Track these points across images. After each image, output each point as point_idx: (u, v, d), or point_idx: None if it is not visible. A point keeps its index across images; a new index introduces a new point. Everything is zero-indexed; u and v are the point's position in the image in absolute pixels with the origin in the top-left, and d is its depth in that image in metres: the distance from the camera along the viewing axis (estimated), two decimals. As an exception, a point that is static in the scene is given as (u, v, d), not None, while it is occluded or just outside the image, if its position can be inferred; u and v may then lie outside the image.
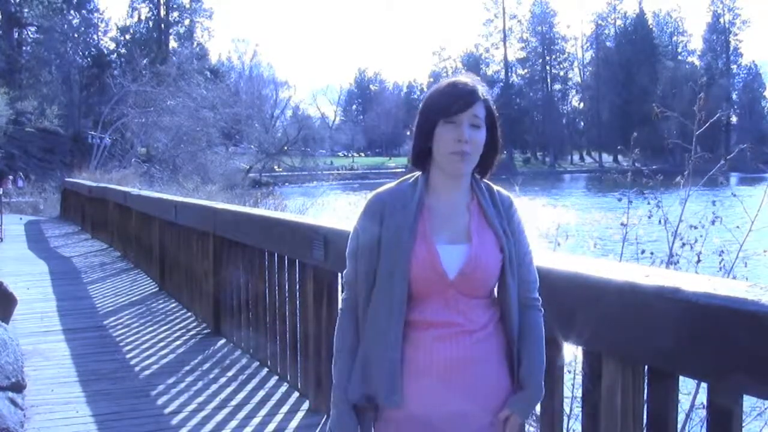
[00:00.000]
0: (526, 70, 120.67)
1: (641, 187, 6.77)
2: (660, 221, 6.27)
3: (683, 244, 5.99)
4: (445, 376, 2.29)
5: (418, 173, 2.44)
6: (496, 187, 2.46)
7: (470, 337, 2.31)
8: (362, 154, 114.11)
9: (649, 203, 6.43)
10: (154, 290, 10.60)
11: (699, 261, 5.87)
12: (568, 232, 7.80)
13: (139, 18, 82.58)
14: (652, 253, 6.31)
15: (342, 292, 2.55)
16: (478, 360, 2.32)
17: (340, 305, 2.53)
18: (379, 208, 2.40)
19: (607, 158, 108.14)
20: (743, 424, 2.37)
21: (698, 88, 6.62)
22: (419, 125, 2.38)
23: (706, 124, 6.45)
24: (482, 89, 2.36)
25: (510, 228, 2.38)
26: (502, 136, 2.42)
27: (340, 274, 5.05)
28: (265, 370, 6.46)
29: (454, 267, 2.30)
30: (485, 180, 2.46)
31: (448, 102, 2.31)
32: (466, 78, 2.39)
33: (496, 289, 2.40)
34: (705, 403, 2.46)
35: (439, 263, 2.30)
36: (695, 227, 6.14)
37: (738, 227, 6.17)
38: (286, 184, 57.75)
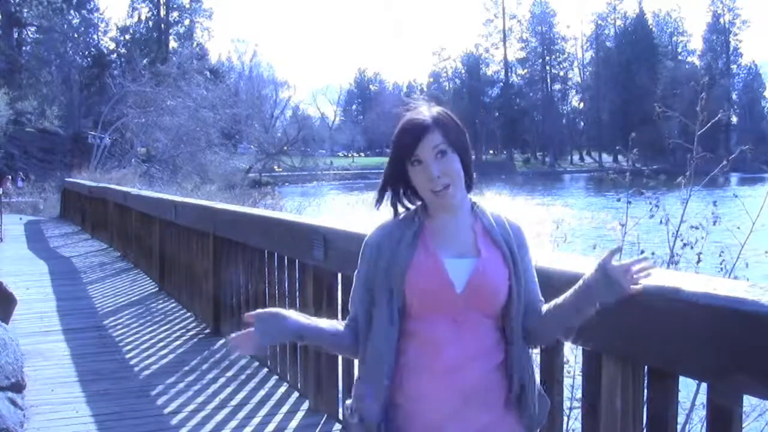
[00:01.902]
0: (525, 70, 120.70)
1: (642, 187, 6.76)
2: (661, 221, 6.27)
3: (684, 245, 5.99)
4: (457, 409, 2.22)
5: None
6: (503, 214, 2.40)
7: (482, 366, 2.24)
8: (362, 154, 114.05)
9: (650, 203, 6.42)
10: (153, 290, 10.59)
11: (699, 261, 5.87)
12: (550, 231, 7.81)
13: (139, 18, 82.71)
14: (653, 253, 6.31)
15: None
16: (489, 392, 2.26)
17: (345, 321, 2.51)
18: (374, 249, 2.36)
19: (606, 158, 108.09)
20: (743, 425, 2.37)
21: (700, 88, 6.62)
22: (391, 174, 2.34)
23: (708, 124, 6.45)
24: (434, 113, 2.28)
25: (520, 253, 2.31)
26: (468, 150, 2.32)
27: (339, 274, 5.06)
28: (265, 370, 6.46)
29: (462, 279, 2.22)
30: (492, 210, 2.39)
31: (404, 140, 2.26)
32: (413, 112, 2.31)
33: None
34: (705, 403, 2.46)
35: (446, 274, 2.23)
36: (696, 227, 6.14)
37: (738, 227, 6.16)
38: (286, 184, 57.83)
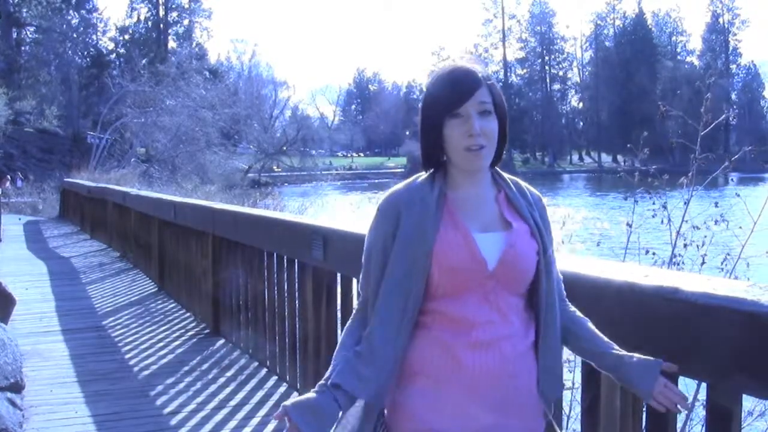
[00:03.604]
0: (525, 70, 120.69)
1: (648, 187, 6.74)
2: (662, 221, 6.27)
3: (685, 245, 5.99)
4: (479, 389, 2.10)
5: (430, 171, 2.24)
6: (523, 183, 2.30)
7: (513, 348, 2.12)
8: (361, 154, 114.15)
9: (654, 203, 6.41)
10: (153, 290, 10.59)
11: (704, 263, 5.87)
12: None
13: (138, 18, 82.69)
14: (654, 254, 6.31)
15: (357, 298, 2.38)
16: (519, 374, 2.14)
17: (356, 315, 2.34)
18: (394, 207, 2.19)
19: (606, 158, 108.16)
20: (743, 425, 2.37)
21: (705, 88, 6.61)
22: (424, 127, 2.19)
23: (712, 125, 6.45)
24: (483, 70, 2.16)
25: (543, 223, 2.23)
26: (506, 121, 2.21)
27: (339, 275, 5.06)
28: (264, 370, 6.46)
29: (493, 255, 2.11)
30: (511, 176, 2.29)
31: (448, 94, 2.12)
32: (464, 62, 2.19)
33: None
34: (704, 403, 2.45)
35: (477, 250, 2.10)
36: (698, 228, 6.14)
37: (740, 227, 6.16)
38: (285, 184, 57.80)
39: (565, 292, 2.33)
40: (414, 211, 2.15)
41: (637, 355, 2.21)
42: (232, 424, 5.30)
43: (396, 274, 2.14)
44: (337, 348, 2.29)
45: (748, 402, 4.29)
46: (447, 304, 2.13)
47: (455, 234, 2.12)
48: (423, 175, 2.24)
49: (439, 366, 2.13)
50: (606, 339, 2.26)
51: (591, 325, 2.30)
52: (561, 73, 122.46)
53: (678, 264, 5.95)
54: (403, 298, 2.14)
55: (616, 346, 2.24)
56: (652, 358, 2.19)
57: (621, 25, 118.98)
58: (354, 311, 2.34)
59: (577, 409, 3.35)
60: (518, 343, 2.15)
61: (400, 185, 2.26)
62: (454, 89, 2.13)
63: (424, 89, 2.29)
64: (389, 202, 2.22)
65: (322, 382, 2.22)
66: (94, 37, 77.49)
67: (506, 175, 2.28)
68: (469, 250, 2.11)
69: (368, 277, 2.24)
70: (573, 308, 2.33)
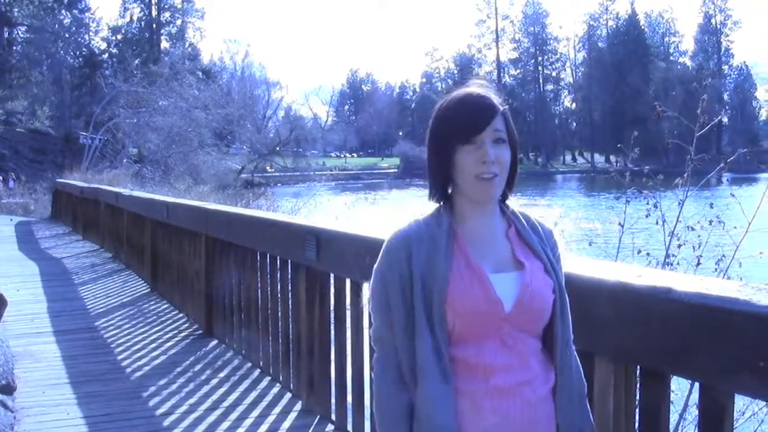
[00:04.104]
0: (518, 71, 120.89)
1: (642, 187, 6.75)
2: (657, 221, 6.28)
3: (679, 245, 6.00)
4: None
5: (435, 205, 2.14)
6: (533, 217, 2.21)
7: (533, 393, 2.04)
8: (354, 155, 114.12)
9: (648, 203, 6.42)
10: (145, 291, 10.57)
11: (699, 264, 5.88)
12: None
13: (130, 18, 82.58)
14: (648, 254, 6.32)
15: (373, 351, 2.20)
16: (539, 420, 2.06)
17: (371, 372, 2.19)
18: (403, 245, 2.07)
19: (599, 158, 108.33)
20: (735, 424, 2.37)
21: (702, 90, 6.63)
22: (434, 152, 2.10)
23: (708, 126, 6.46)
24: (499, 99, 2.09)
25: (555, 259, 2.15)
26: (518, 152, 2.14)
27: (332, 275, 5.05)
28: (258, 370, 6.45)
29: (510, 297, 2.02)
30: (521, 210, 2.20)
31: (465, 122, 2.04)
32: (479, 89, 2.10)
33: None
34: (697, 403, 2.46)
35: (493, 292, 2.01)
36: (692, 228, 6.15)
37: (735, 227, 6.17)
38: (278, 184, 57.73)
39: (572, 335, 2.21)
40: (423, 250, 2.06)
41: None
42: (225, 425, 5.29)
43: (424, 320, 2.02)
44: (384, 417, 2.13)
45: (741, 402, 4.29)
46: (463, 350, 2.04)
47: (469, 274, 2.03)
48: (427, 212, 2.15)
49: (461, 414, 2.03)
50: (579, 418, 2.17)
51: (581, 389, 2.21)
52: (554, 74, 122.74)
53: (671, 264, 5.97)
54: (438, 343, 2.02)
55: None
56: None
57: (614, 26, 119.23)
58: (375, 374, 2.17)
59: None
60: (539, 387, 2.07)
61: (406, 224, 2.14)
62: (470, 117, 2.05)
63: (434, 111, 2.16)
64: (397, 240, 2.11)
65: None
66: (86, 36, 77.29)
67: (516, 209, 2.20)
68: (485, 293, 2.02)
69: (390, 326, 2.10)
70: (576, 357, 2.22)
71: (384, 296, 2.10)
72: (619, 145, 7.57)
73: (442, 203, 2.13)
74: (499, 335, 2.03)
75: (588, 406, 2.22)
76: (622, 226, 6.37)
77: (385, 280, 2.10)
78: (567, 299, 2.15)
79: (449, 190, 2.13)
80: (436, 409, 2.00)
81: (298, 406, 5.52)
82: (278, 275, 5.96)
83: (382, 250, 2.14)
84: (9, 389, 5.82)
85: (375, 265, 2.16)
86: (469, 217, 2.11)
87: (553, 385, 2.10)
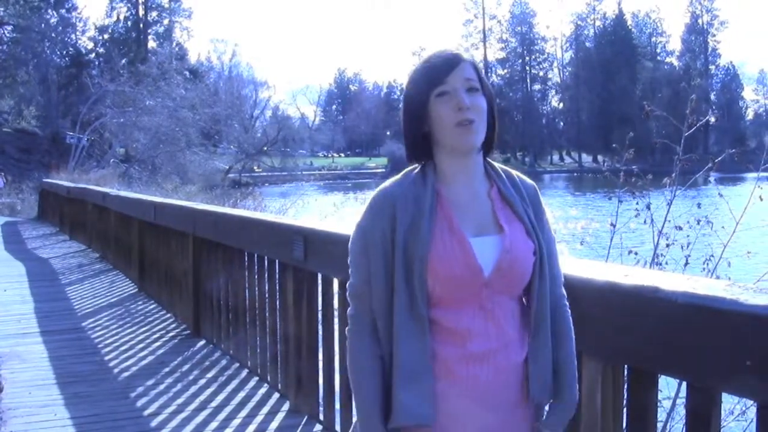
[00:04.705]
0: (505, 71, 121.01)
1: (631, 187, 6.75)
2: (645, 221, 6.29)
3: (668, 245, 6.02)
4: (472, 399, 2.07)
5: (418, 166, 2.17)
6: (515, 173, 2.23)
7: (506, 360, 2.09)
8: (342, 155, 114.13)
9: (639, 203, 6.44)
10: (132, 291, 10.53)
11: (687, 264, 5.90)
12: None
13: (117, 18, 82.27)
14: (636, 254, 6.33)
15: (349, 305, 2.21)
16: (512, 385, 2.12)
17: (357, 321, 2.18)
18: (388, 203, 2.09)
19: (586, 158, 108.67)
20: (723, 424, 2.38)
21: (690, 90, 6.64)
22: (408, 109, 2.13)
23: (696, 126, 6.48)
24: (468, 54, 2.14)
25: (537, 216, 2.16)
26: (495, 105, 2.18)
27: (320, 275, 5.05)
28: (245, 371, 6.44)
29: (489, 262, 2.04)
30: (503, 167, 2.23)
31: (432, 71, 2.08)
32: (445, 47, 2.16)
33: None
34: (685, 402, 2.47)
35: (473, 257, 2.03)
36: (680, 228, 6.17)
37: (723, 227, 6.20)
38: (266, 184, 57.66)
39: (563, 290, 2.27)
40: (408, 211, 2.07)
41: (560, 406, 2.24)
42: (213, 425, 5.28)
43: (403, 281, 2.05)
44: (357, 372, 2.16)
45: (728, 401, 4.31)
46: (441, 314, 2.07)
47: (451, 239, 2.05)
48: (414, 170, 2.17)
49: (437, 379, 2.07)
50: (565, 375, 2.23)
51: (569, 350, 2.25)
52: (541, 74, 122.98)
53: (660, 264, 5.98)
54: (417, 305, 2.05)
55: (564, 393, 2.23)
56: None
57: (601, 26, 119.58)
58: (349, 330, 2.20)
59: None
60: (512, 353, 2.11)
61: (391, 180, 2.17)
62: (436, 64, 2.09)
63: (406, 84, 2.22)
64: (383, 197, 2.13)
65: (379, 427, 2.12)
66: (73, 36, 77.07)
67: (498, 166, 2.23)
68: (465, 258, 2.04)
69: (367, 281, 2.12)
70: (568, 316, 2.27)
71: (364, 253, 2.12)
72: (614, 145, 7.56)
73: (424, 162, 2.16)
74: (478, 300, 2.06)
75: (576, 376, 2.27)
76: (614, 226, 6.38)
77: (366, 236, 2.11)
78: (555, 254, 2.20)
79: (432, 149, 2.14)
80: (414, 366, 2.04)
81: (286, 406, 5.51)
82: (266, 275, 5.95)
83: (366, 206, 2.16)
84: (-5, 390, 5.80)
85: (357, 220, 2.17)
86: (452, 176, 2.12)
87: (524, 348, 2.14)
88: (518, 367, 2.12)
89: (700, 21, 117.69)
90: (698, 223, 6.26)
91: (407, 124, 2.16)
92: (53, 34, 72.18)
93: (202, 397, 5.85)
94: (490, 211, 2.12)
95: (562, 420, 2.25)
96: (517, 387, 2.13)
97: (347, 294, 2.22)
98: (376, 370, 2.11)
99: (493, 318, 2.08)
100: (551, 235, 2.22)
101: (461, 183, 2.13)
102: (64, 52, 74.23)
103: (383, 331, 2.10)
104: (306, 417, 5.24)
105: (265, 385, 6.02)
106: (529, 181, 2.24)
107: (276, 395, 5.76)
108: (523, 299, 2.18)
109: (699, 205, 6.42)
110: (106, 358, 7.17)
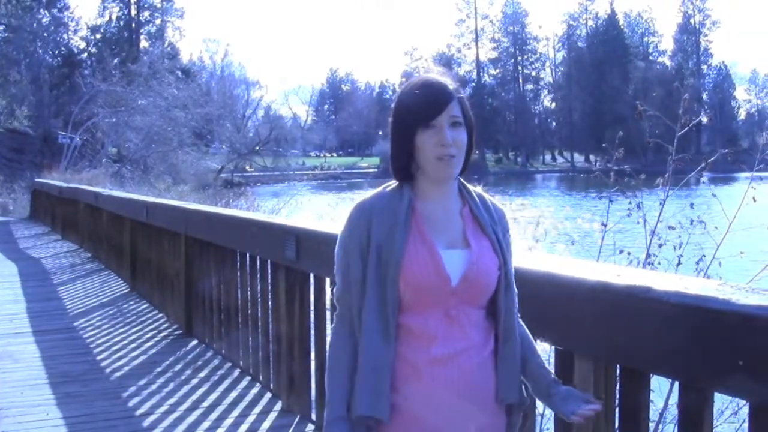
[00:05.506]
0: (498, 70, 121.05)
1: (623, 187, 6.75)
2: (638, 221, 6.29)
3: (660, 245, 6.02)
4: (439, 400, 2.20)
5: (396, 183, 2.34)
6: (488, 196, 2.40)
7: (469, 359, 2.22)
8: (334, 154, 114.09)
9: (631, 203, 6.44)
10: (125, 291, 10.52)
11: (679, 263, 5.89)
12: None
13: (109, 17, 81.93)
14: (629, 253, 6.33)
15: (335, 309, 2.40)
16: (477, 383, 2.24)
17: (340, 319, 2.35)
18: (366, 215, 2.27)
19: (578, 158, 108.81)
20: (715, 423, 2.39)
21: (683, 89, 6.65)
22: (397, 135, 2.29)
23: (689, 126, 6.48)
24: (455, 85, 2.28)
25: (504, 239, 2.32)
26: (476, 134, 2.33)
27: (312, 275, 5.05)
28: (238, 371, 6.43)
29: (456, 273, 2.20)
30: (477, 189, 2.39)
31: (423, 106, 2.22)
32: (437, 76, 2.30)
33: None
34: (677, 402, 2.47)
35: (442, 267, 2.20)
36: (673, 228, 6.17)
37: (716, 228, 6.20)
38: (258, 184, 57.55)
39: (518, 306, 2.39)
40: (384, 221, 2.24)
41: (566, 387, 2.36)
42: (206, 425, 5.27)
43: (376, 286, 2.21)
44: (332, 364, 2.32)
45: (720, 400, 4.31)
46: (411, 319, 2.22)
47: (423, 249, 2.21)
48: (392, 184, 2.33)
49: (403, 378, 2.21)
50: (545, 365, 2.39)
51: (535, 347, 2.43)
52: (534, 73, 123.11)
53: (652, 264, 5.98)
54: (386, 308, 2.21)
55: (552, 375, 2.38)
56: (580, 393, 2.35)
57: (593, 26, 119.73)
58: (333, 328, 2.38)
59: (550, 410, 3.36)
60: (475, 354, 2.24)
61: (370, 194, 2.34)
62: (428, 102, 2.23)
63: (396, 97, 2.35)
64: (360, 209, 2.30)
65: (343, 414, 2.26)
66: (65, 36, 76.70)
67: (472, 188, 2.38)
68: (435, 267, 2.20)
69: (349, 287, 2.29)
70: (522, 324, 2.42)
71: (345, 261, 2.30)
72: (603, 145, 7.58)
73: (404, 181, 2.31)
74: (445, 307, 2.21)
75: (546, 368, 2.40)
76: (605, 226, 6.39)
77: (345, 246, 2.30)
78: (512, 274, 2.34)
79: (412, 171, 2.29)
80: (377, 362, 2.20)
81: (278, 405, 5.51)
82: (258, 275, 5.94)
83: (345, 219, 2.33)
84: (-13, 391, 5.78)
85: (339, 232, 2.35)
86: (429, 194, 2.29)
87: (492, 349, 2.29)
88: (481, 368, 2.26)
89: (692, 21, 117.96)
90: (691, 224, 6.26)
91: (394, 145, 2.31)
92: (45, 34, 71.88)
93: (194, 397, 5.84)
94: (460, 227, 2.28)
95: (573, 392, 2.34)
96: (483, 387, 2.26)
97: (333, 298, 2.41)
98: (349, 365, 2.26)
99: (459, 324, 2.23)
100: (510, 259, 2.35)
101: (436, 201, 2.29)
102: (56, 52, 73.93)
103: (358, 330, 2.26)
104: (298, 417, 5.24)
105: (258, 384, 6.02)
106: (499, 206, 2.41)
107: (268, 395, 5.76)
108: (488, 310, 2.31)
109: (692, 205, 6.42)
110: (98, 358, 7.16)
